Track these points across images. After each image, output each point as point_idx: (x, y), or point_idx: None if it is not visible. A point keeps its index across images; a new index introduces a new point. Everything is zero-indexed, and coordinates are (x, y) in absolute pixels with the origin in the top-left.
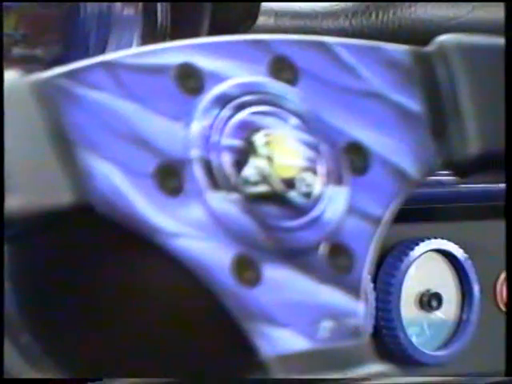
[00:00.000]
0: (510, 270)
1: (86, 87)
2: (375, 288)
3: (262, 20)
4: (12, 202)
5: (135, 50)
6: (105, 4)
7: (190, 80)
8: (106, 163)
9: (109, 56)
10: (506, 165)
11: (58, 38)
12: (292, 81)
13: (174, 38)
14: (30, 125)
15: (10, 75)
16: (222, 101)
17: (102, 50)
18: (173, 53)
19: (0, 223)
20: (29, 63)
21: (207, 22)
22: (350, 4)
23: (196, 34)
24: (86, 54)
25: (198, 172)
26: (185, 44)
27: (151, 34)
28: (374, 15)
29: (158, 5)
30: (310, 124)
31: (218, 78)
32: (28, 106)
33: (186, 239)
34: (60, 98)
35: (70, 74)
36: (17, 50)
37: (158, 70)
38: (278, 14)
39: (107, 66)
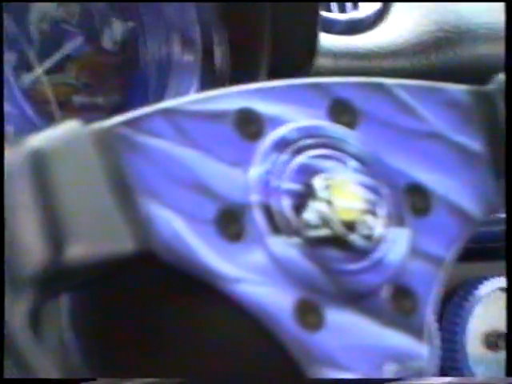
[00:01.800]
0: (510, 271)
1: (147, 135)
2: (441, 328)
3: (320, 61)
4: (75, 251)
5: (194, 96)
6: (164, 50)
7: (250, 125)
8: (167, 210)
9: (168, 103)
10: (506, 165)
11: (118, 85)
12: (351, 124)
13: (233, 82)
14: (91, 173)
15: (72, 124)
16: (282, 145)
17: (162, 97)
18: (232, 98)
19: (0, 224)
20: (90, 111)
21: (266, 66)
22: (409, 43)
23: (255, 78)
24: (145, 101)
25: (259, 217)
26: (243, 89)
27: (210, 80)
28: (433, 54)
29: (217, 50)
30: (371, 166)
31: (278, 122)
32: (89, 155)
33: (248, 284)
34: (121, 147)
35: (130, 123)
36: (78, 99)
37: (217, 116)
38: (336, 55)
39: (167, 113)
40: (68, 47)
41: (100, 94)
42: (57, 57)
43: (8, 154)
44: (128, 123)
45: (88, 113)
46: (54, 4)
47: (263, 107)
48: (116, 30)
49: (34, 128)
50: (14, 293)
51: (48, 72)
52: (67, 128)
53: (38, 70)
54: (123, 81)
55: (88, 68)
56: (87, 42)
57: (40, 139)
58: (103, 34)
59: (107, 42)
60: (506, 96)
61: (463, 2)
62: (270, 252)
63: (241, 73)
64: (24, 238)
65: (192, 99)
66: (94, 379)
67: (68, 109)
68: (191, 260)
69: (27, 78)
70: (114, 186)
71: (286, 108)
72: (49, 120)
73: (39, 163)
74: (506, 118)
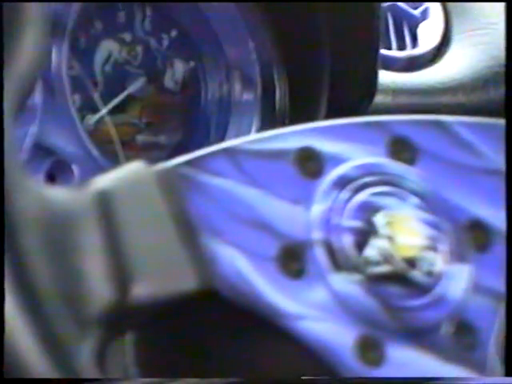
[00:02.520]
0: (510, 269)
1: (209, 174)
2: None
3: (379, 98)
4: (140, 290)
5: (255, 135)
6: (224, 89)
7: (310, 163)
8: (230, 248)
9: (230, 143)
10: (506, 165)
11: (180, 124)
12: (411, 161)
13: (292, 121)
14: (156, 213)
15: (136, 165)
16: (342, 183)
17: (223, 135)
18: (292, 137)
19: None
20: (152, 150)
21: (325, 104)
22: (468, 79)
23: (314, 116)
24: (206, 140)
25: (320, 254)
26: (304, 128)
27: (270, 118)
28: (492, 90)
29: (277, 89)
30: (431, 203)
31: (338, 161)
32: (154, 196)
33: (309, 321)
34: (184, 186)
35: (193, 162)
36: (140, 138)
37: (278, 155)
38: (395, 92)
39: (229, 152)
40: (131, 88)
41: (162, 133)
42: (120, 97)
43: (75, 194)
44: (191, 163)
45: (150, 151)
46: (117, 45)
47: (323, 145)
48: (177, 70)
49: (99, 168)
50: (80, 332)
51: (112, 112)
52: (132, 168)
53: (103, 111)
54: (184, 119)
55: (150, 107)
56: (149, 82)
57: (106, 180)
58: (165, 74)
59: (169, 82)
60: (506, 97)
61: (463, 1)
62: (331, 289)
63: (300, 111)
64: (91, 277)
65: (253, 139)
66: (99, 379)
67: (131, 148)
68: (253, 297)
69: (92, 119)
70: (178, 226)
71: (345, 146)
72: (113, 159)
73: (105, 204)
74: (506, 122)
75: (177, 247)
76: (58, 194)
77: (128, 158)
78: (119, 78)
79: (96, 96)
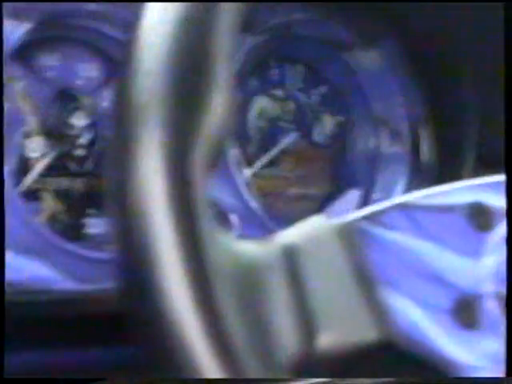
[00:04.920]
0: (510, 268)
1: (385, 228)
2: None
3: None
4: (325, 340)
5: (427, 191)
6: (372, 143)
7: (481, 217)
8: (405, 300)
9: (402, 198)
10: (506, 166)
11: (329, 177)
12: None
13: (439, 176)
14: (336, 266)
15: (317, 219)
16: None
17: (370, 188)
18: (462, 192)
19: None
20: (303, 202)
21: (472, 160)
22: None
23: (460, 170)
24: (354, 192)
25: (493, 306)
26: (473, 184)
27: (417, 172)
28: None
29: (425, 144)
30: None
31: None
32: (334, 248)
33: (484, 372)
34: (361, 239)
35: (369, 217)
36: (292, 190)
37: (450, 209)
38: None
39: (402, 207)
40: (284, 142)
41: (312, 185)
42: (274, 152)
43: (263, 248)
44: (367, 217)
45: (301, 203)
46: (270, 101)
47: (493, 200)
48: (326, 125)
49: (256, 218)
50: (269, 376)
51: (266, 166)
52: (313, 223)
53: (258, 165)
54: (333, 172)
55: (301, 161)
56: (301, 136)
57: (290, 234)
58: (315, 128)
59: (318, 136)
60: (506, 97)
61: (463, 2)
62: (505, 340)
63: (447, 165)
64: (278, 327)
65: (425, 194)
66: (104, 379)
67: (284, 200)
68: (428, 348)
69: (248, 172)
70: (357, 278)
71: None
72: (268, 210)
73: (290, 257)
74: (506, 119)
75: (356, 299)
76: (247, 247)
77: (280, 210)
78: (272, 133)
79: (252, 150)
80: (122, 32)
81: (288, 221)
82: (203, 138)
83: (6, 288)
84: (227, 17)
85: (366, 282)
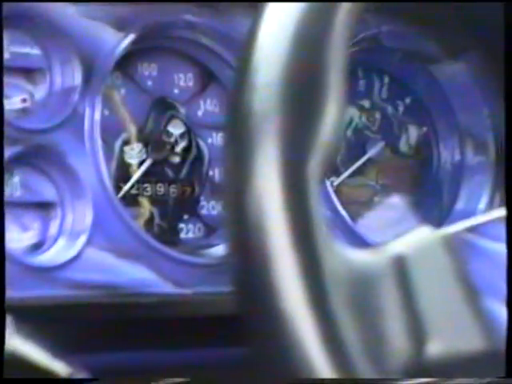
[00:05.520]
0: (510, 270)
1: (488, 240)
2: None
3: None
4: (434, 348)
5: None
6: (457, 154)
7: None
8: (505, 308)
9: (502, 211)
10: (506, 169)
11: (413, 186)
12: None
13: None
14: (443, 275)
15: (424, 230)
16: None
17: (454, 198)
18: None
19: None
20: (388, 210)
21: None
22: None
23: None
24: (438, 201)
25: None
26: None
27: (501, 182)
28: None
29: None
30: None
31: None
32: (440, 258)
33: None
34: (465, 250)
35: (472, 228)
36: (377, 199)
37: None
38: None
39: (502, 219)
40: (371, 152)
41: (396, 195)
42: (361, 161)
43: (374, 257)
44: (472, 229)
45: (386, 212)
46: (357, 111)
47: None
48: (411, 135)
49: (346, 226)
50: None
51: (352, 175)
52: (421, 233)
53: (345, 174)
54: (417, 182)
55: (386, 170)
56: (386, 146)
57: (400, 244)
58: (400, 138)
59: (403, 146)
60: (506, 97)
61: (463, 1)
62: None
63: None
64: (390, 334)
65: None
66: (97, 379)
67: (368, 208)
68: None
69: (336, 181)
70: (463, 287)
71: None
72: (354, 218)
73: (400, 266)
74: (506, 120)
75: (463, 308)
76: (360, 256)
77: (365, 218)
78: (359, 142)
79: (338, 160)
80: (218, 44)
81: (373, 229)
82: (318, 147)
83: (108, 291)
84: (340, 31)
85: (471, 291)
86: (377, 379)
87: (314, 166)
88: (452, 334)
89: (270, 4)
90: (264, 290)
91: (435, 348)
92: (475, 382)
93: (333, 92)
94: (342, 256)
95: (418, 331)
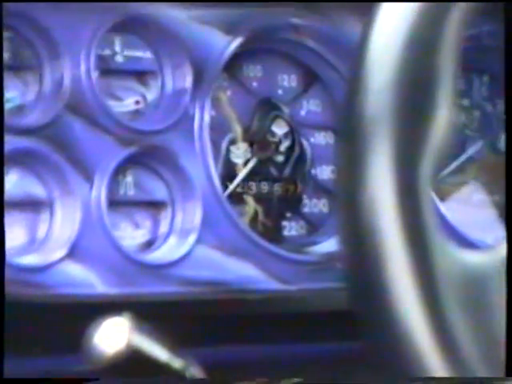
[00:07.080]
0: (510, 267)
1: None
2: None
3: None
4: None
5: None
6: None
7: None
8: None
9: None
10: (506, 169)
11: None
12: None
13: None
14: None
15: None
16: None
17: None
18: None
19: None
20: (487, 208)
21: None
22: None
23: None
24: None
25: None
26: None
27: None
28: None
29: None
30: None
31: None
32: None
33: None
34: None
35: None
36: (476, 197)
37: None
38: None
39: None
40: (471, 150)
41: (495, 193)
42: (460, 159)
43: (486, 259)
44: None
45: (485, 210)
46: (458, 110)
47: None
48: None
49: (445, 222)
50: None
51: (452, 173)
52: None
53: (444, 172)
54: None
55: (486, 169)
56: (486, 144)
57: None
58: (500, 136)
59: (503, 144)
60: (506, 97)
61: (463, 1)
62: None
63: None
64: (499, 331)
65: None
66: (97, 379)
67: (468, 206)
68: None
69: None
70: None
71: None
72: (454, 216)
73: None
74: (506, 120)
75: None
76: (473, 257)
77: (465, 216)
78: (459, 141)
79: None
80: (322, 45)
81: (473, 227)
82: (430, 150)
83: (217, 287)
84: (453, 33)
85: None
86: (490, 378)
87: (426, 168)
88: None
89: (383, 5)
90: (377, 290)
91: None
92: (474, 381)
93: (445, 95)
94: (454, 256)
95: None
